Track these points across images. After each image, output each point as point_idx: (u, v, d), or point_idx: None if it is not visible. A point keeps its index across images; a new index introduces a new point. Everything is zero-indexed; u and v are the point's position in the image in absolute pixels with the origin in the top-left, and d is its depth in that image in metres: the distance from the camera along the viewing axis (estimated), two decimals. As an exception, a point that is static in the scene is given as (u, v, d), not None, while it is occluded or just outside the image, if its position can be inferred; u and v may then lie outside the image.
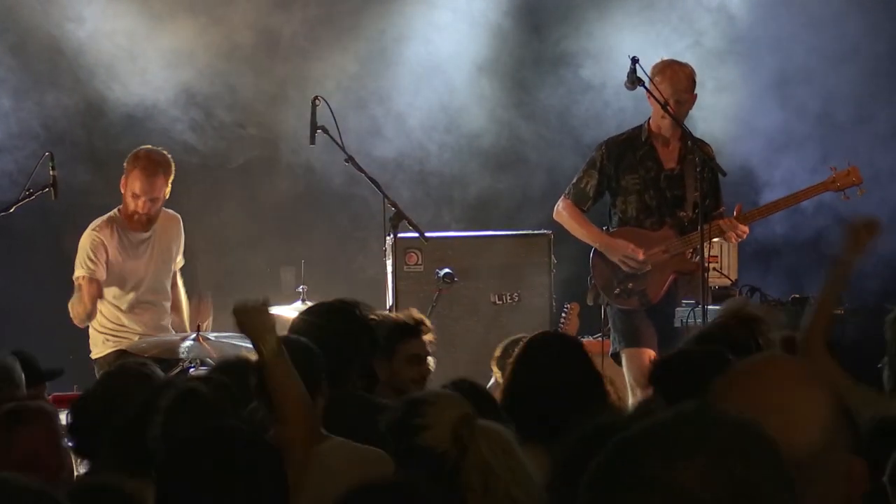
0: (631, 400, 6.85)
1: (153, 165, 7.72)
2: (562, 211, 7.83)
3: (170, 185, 7.80)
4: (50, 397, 6.79)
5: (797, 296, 7.66)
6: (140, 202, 7.72)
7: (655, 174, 7.67)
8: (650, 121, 7.71)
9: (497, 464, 3.40)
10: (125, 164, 7.79)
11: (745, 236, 7.66)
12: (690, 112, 7.80)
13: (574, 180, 7.83)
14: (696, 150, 7.47)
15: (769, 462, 1.76)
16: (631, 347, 7.50)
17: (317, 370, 4.40)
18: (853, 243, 4.47)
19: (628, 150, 7.71)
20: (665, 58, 7.75)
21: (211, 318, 7.72)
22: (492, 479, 3.39)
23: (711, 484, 1.70)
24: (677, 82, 7.53)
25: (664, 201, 7.67)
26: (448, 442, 3.40)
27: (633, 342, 7.52)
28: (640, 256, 7.56)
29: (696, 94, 7.66)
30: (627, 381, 7.37)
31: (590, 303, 7.87)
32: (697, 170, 7.47)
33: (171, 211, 8.03)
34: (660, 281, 7.65)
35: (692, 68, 7.68)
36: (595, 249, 7.75)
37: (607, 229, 7.76)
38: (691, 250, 7.60)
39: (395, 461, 3.56)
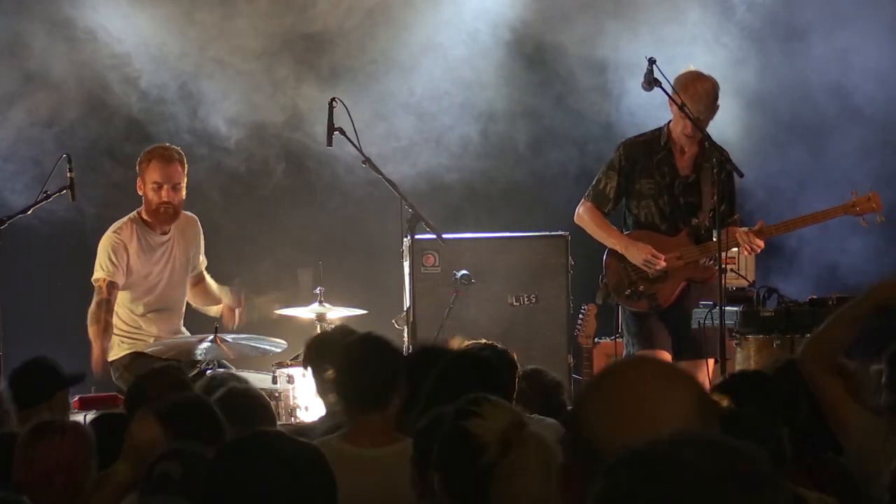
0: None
1: (168, 153, 7.80)
2: (582, 214, 7.78)
3: (185, 178, 7.82)
4: (75, 400, 6.84)
5: (815, 297, 7.59)
6: (163, 191, 7.73)
7: (670, 180, 7.62)
8: (670, 125, 7.66)
9: (538, 472, 3.34)
10: (138, 165, 7.82)
11: (758, 251, 7.63)
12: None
13: (593, 182, 7.80)
14: (713, 153, 7.38)
15: (773, 479, 1.78)
16: (645, 350, 7.48)
17: (394, 370, 4.58)
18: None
19: (645, 153, 7.64)
20: (691, 68, 7.61)
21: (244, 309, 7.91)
22: (529, 485, 3.34)
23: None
24: (698, 101, 7.39)
25: (677, 207, 7.63)
26: (494, 435, 3.37)
27: (648, 344, 7.51)
28: (663, 263, 7.52)
29: (717, 106, 7.50)
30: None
31: (598, 301, 7.87)
32: (715, 171, 7.42)
33: (188, 213, 8.05)
34: (671, 286, 7.62)
35: (714, 81, 7.50)
36: (609, 249, 7.72)
37: (622, 232, 7.74)
38: (705, 258, 7.59)
39: (439, 441, 3.51)
